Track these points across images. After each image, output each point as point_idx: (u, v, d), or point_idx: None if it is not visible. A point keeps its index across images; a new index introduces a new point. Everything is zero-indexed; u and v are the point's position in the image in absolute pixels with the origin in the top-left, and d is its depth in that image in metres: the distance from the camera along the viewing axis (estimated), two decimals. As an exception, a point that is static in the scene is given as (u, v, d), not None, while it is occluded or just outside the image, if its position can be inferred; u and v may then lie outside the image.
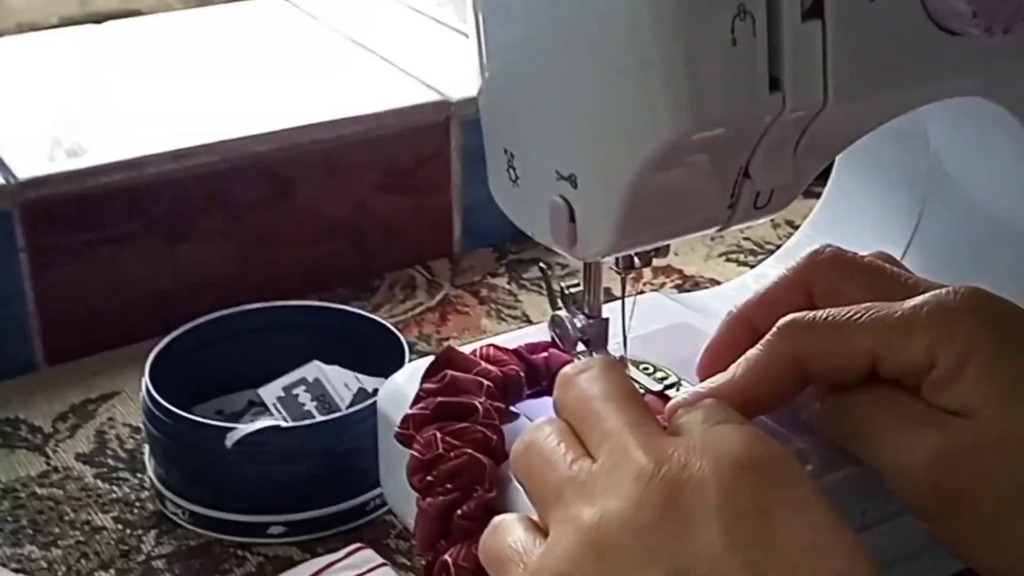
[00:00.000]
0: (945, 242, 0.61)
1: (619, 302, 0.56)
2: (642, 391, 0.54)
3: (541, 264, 0.57)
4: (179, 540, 0.62)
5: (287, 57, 0.95)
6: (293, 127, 0.82)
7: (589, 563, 0.38)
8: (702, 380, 0.51)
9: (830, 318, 0.47)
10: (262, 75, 0.91)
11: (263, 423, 0.61)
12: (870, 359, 0.46)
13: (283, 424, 0.62)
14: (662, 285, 0.84)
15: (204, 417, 0.64)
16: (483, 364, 0.54)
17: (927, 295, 0.46)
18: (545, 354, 0.56)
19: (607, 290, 0.55)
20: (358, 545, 0.59)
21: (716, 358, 0.51)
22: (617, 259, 0.53)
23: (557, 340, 0.56)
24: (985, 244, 0.60)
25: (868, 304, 0.46)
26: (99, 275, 0.77)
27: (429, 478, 0.49)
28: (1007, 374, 0.44)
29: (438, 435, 0.50)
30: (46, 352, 0.77)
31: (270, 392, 0.66)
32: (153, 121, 0.82)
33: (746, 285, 0.66)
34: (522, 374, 0.54)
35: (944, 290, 0.47)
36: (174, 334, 0.67)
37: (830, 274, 0.50)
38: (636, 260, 0.53)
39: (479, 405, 0.51)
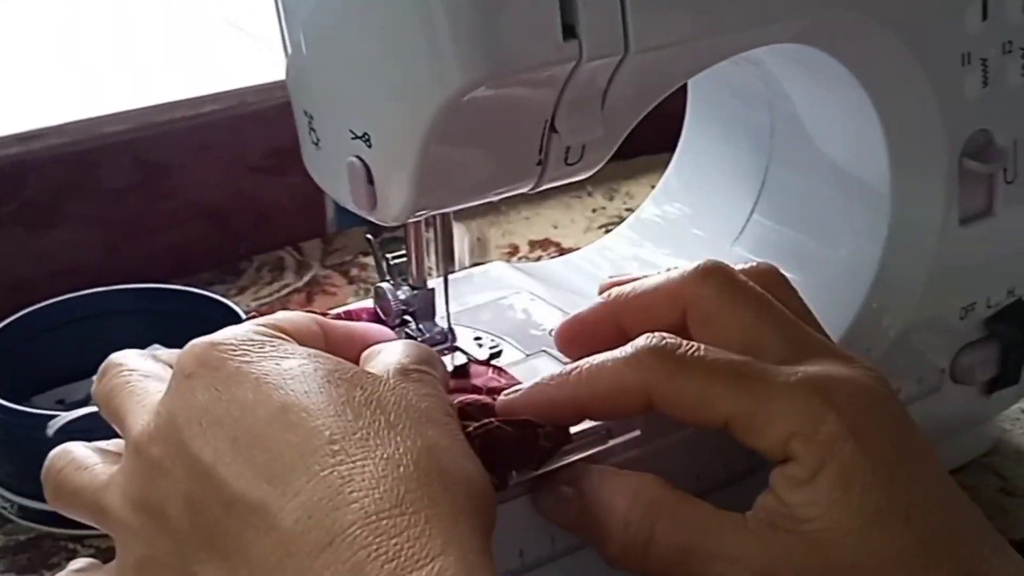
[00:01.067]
0: (793, 200, 0.59)
1: (461, 272, 0.54)
2: (468, 359, 0.52)
3: (367, 236, 0.55)
4: (8, 535, 0.59)
5: (142, 32, 0.92)
6: (150, 106, 0.79)
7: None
8: (559, 347, 0.50)
9: (692, 368, 0.43)
10: (116, 52, 0.88)
11: (89, 409, 0.58)
12: (723, 425, 0.43)
13: (108, 409, 0.59)
14: (538, 258, 0.82)
15: (44, 407, 0.61)
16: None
17: (798, 374, 0.43)
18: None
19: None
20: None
21: (576, 335, 0.49)
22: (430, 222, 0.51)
23: (381, 313, 0.54)
24: (835, 200, 0.58)
25: (736, 361, 0.43)
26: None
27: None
28: (856, 493, 0.41)
29: None
30: None
31: (107, 378, 0.63)
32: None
33: (593, 255, 0.63)
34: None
35: (819, 369, 0.43)
36: (1, 324, 0.64)
37: (710, 303, 0.46)
38: (452, 224, 0.51)
39: None
